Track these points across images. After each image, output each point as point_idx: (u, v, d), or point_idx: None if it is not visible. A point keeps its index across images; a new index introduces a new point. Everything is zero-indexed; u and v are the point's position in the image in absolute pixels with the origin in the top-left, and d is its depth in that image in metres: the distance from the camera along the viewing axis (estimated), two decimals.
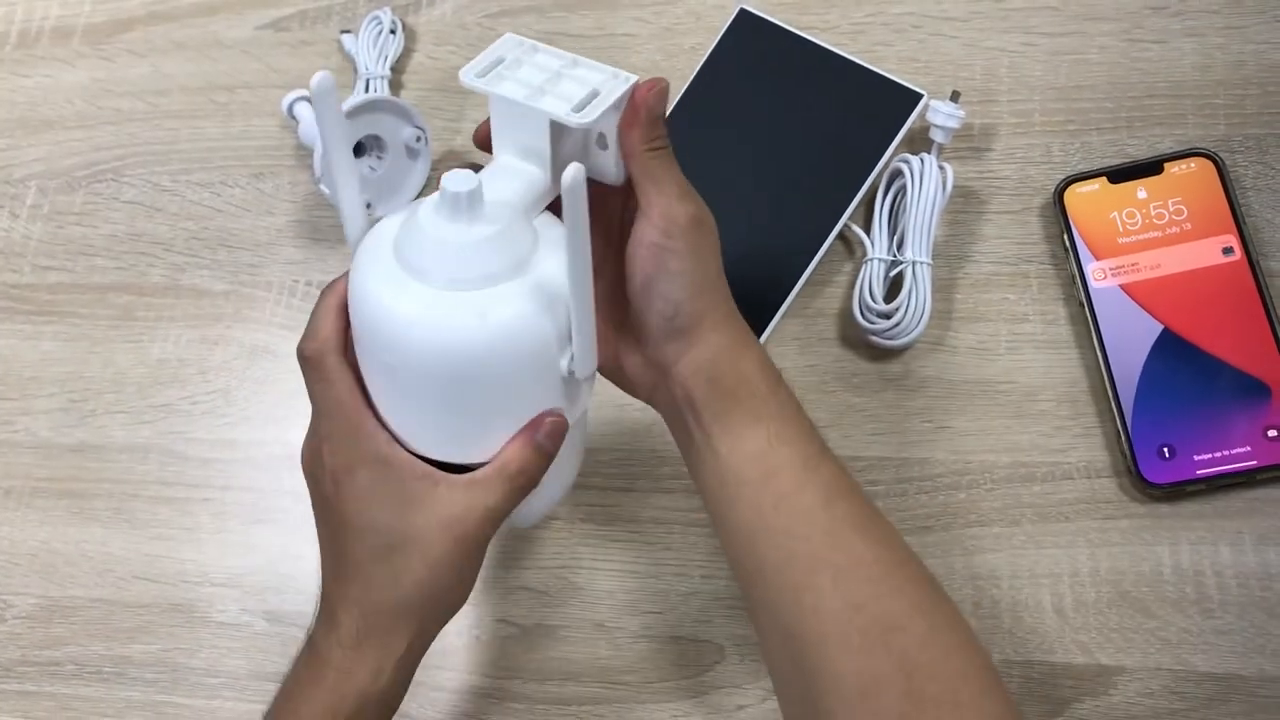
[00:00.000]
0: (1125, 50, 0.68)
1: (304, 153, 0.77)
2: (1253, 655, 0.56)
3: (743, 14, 0.72)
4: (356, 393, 0.48)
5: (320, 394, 0.49)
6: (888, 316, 0.63)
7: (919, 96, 0.66)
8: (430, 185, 0.75)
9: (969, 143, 0.69)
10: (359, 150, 0.72)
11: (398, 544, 0.47)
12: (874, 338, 0.64)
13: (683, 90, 0.71)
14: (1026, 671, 0.57)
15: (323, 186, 0.70)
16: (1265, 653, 0.56)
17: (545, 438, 0.47)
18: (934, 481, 0.62)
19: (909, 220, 0.64)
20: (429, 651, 0.63)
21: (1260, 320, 0.60)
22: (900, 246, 0.65)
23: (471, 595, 0.64)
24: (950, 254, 0.66)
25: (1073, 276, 0.63)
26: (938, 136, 0.66)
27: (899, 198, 0.66)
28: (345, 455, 0.48)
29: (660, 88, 0.47)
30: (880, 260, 0.65)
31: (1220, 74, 0.67)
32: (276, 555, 0.68)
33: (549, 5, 0.78)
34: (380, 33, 0.79)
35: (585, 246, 0.42)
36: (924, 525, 0.61)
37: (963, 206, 0.67)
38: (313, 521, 0.52)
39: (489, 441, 0.47)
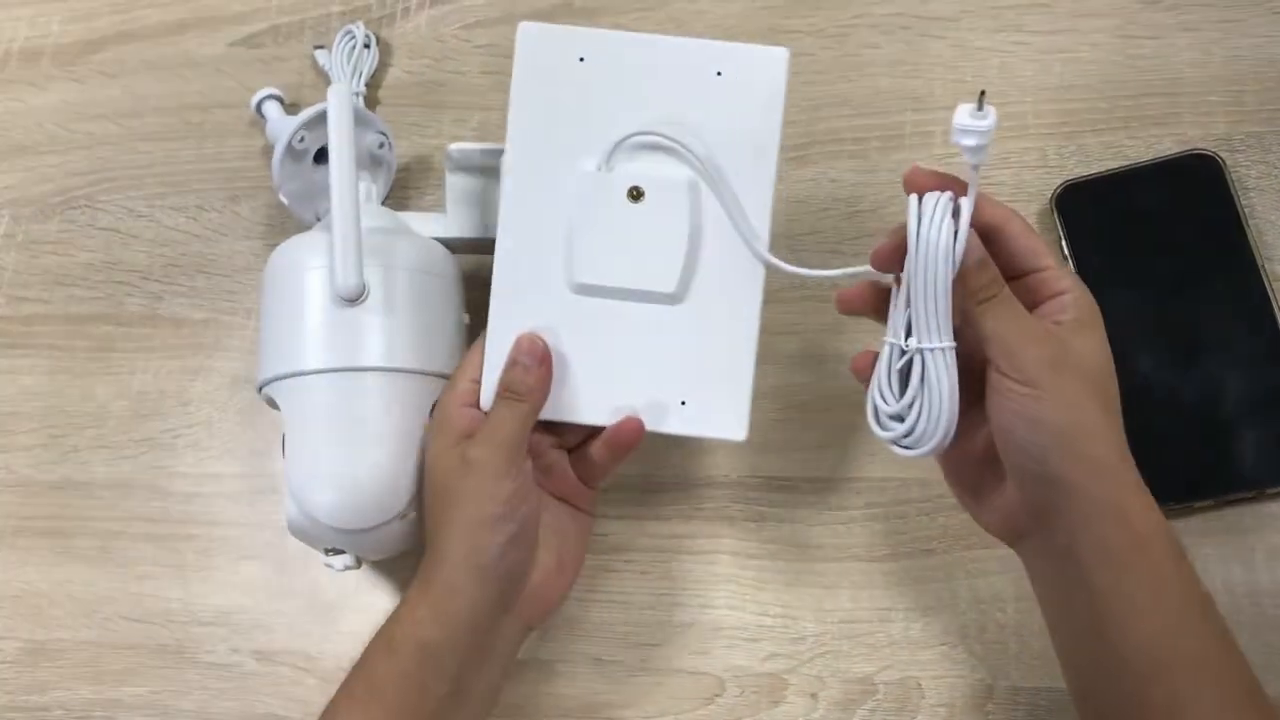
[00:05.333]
0: (1119, 47, 0.67)
1: None
2: (1269, 676, 0.54)
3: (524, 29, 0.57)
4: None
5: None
6: (900, 418, 0.49)
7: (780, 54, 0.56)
8: (395, 190, 0.73)
9: None
10: (320, 158, 0.70)
11: (454, 500, 0.54)
12: (893, 447, 0.50)
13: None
14: (1034, 699, 0.56)
15: (281, 196, 0.69)
16: None
17: (522, 354, 0.55)
18: (934, 503, 0.60)
19: (911, 292, 0.48)
20: None
21: (1267, 325, 0.58)
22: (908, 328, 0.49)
23: None
24: None
25: None
26: (968, 156, 0.47)
27: None
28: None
29: (976, 243, 0.47)
30: (889, 343, 0.49)
31: (1217, 70, 0.65)
32: (264, 592, 0.67)
33: (524, 15, 0.76)
34: (354, 47, 0.77)
35: (347, 167, 0.56)
36: (925, 548, 0.60)
37: None
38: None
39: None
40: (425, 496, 0.57)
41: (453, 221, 0.66)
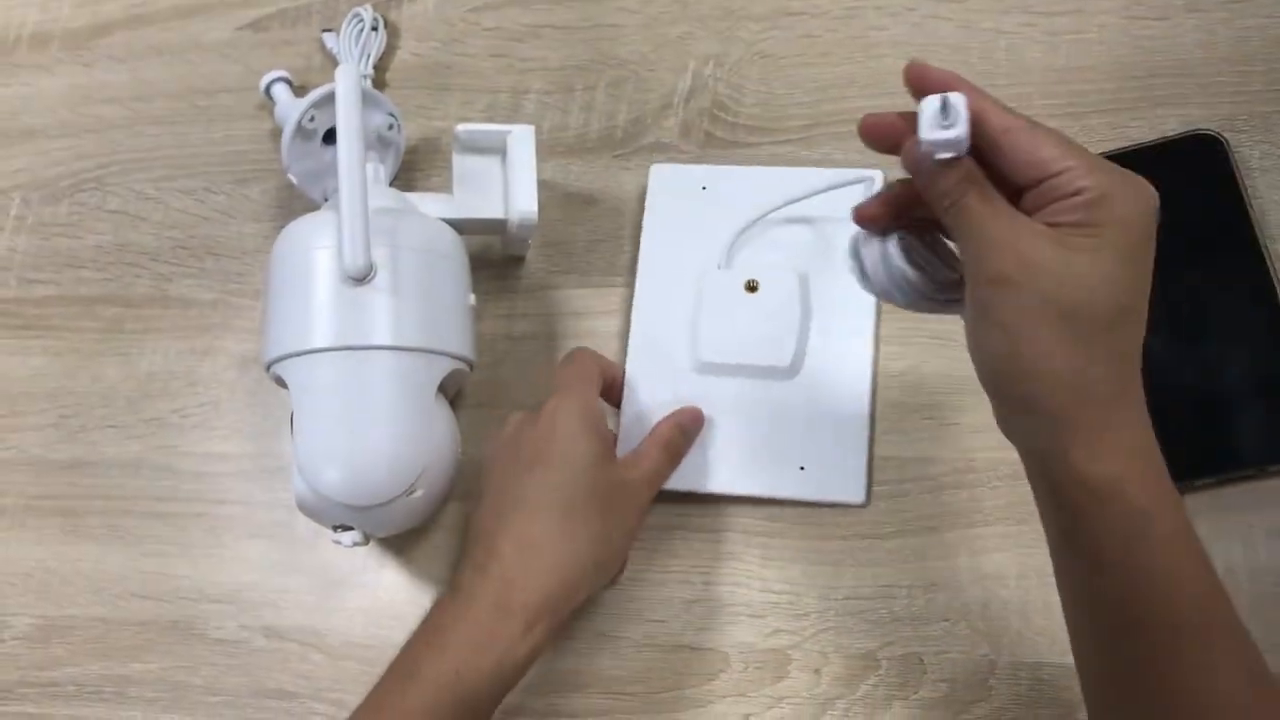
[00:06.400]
0: (1125, 28, 0.67)
1: None
2: (1268, 653, 0.54)
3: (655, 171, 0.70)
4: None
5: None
6: None
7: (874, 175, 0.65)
8: (403, 172, 0.73)
9: None
10: (329, 138, 0.70)
11: (607, 511, 0.57)
12: None
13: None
14: (1036, 673, 0.56)
15: (290, 176, 0.69)
16: None
17: (686, 420, 0.61)
18: (937, 480, 0.61)
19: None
20: None
21: (1269, 305, 0.58)
22: None
23: None
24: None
25: None
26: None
27: None
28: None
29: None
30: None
31: (1224, 51, 0.65)
32: (273, 570, 0.67)
33: None
34: (362, 30, 0.77)
35: (355, 148, 0.57)
36: (929, 525, 0.60)
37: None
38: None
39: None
40: (563, 480, 0.57)
41: (460, 202, 0.66)
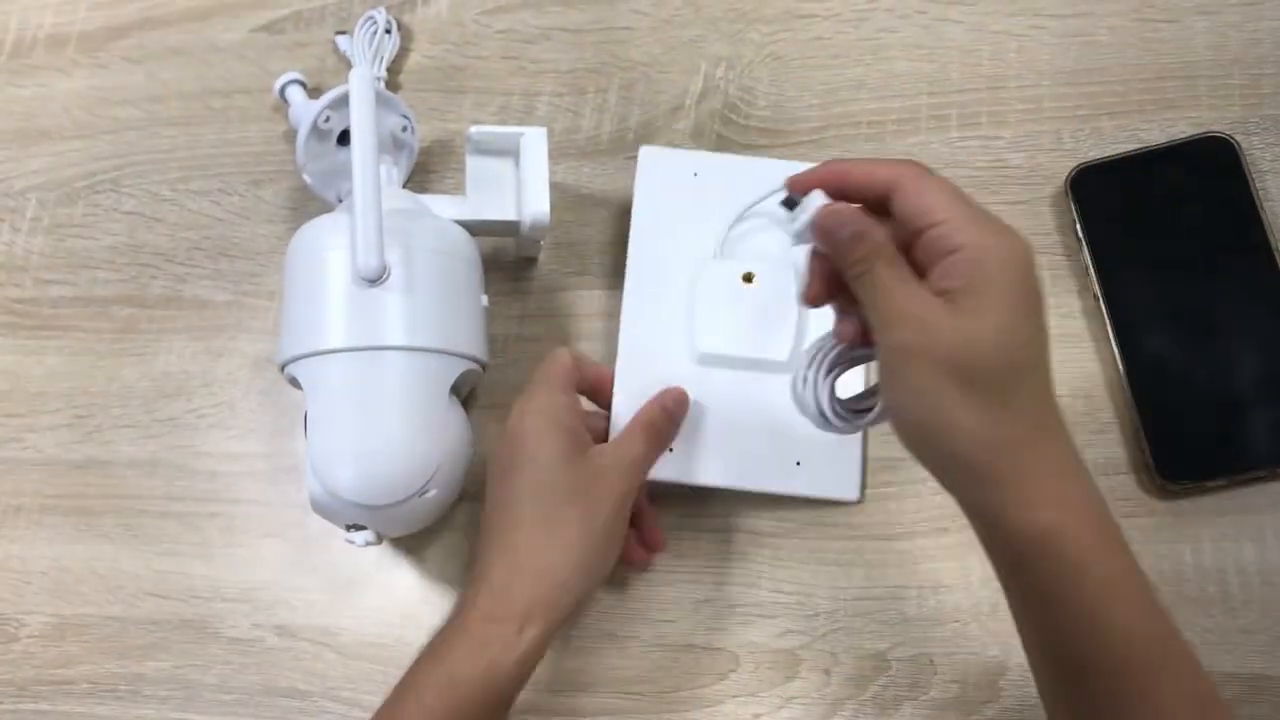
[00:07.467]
0: (1136, 30, 0.67)
1: None
2: (1279, 654, 0.54)
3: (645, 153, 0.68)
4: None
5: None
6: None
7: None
8: (416, 174, 0.74)
9: (977, 130, 0.67)
10: (343, 140, 0.71)
11: (553, 501, 0.55)
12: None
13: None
14: None
15: (305, 176, 0.70)
16: None
17: (669, 399, 0.60)
18: None
19: None
20: None
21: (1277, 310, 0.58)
22: None
23: None
24: None
25: (1086, 268, 0.62)
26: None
27: None
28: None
29: (850, 215, 0.44)
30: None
31: (1235, 53, 0.65)
32: (286, 569, 0.68)
33: (545, 0, 0.77)
34: (375, 33, 0.77)
35: (369, 150, 0.58)
36: (939, 527, 0.60)
37: (972, 197, 0.65)
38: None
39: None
40: (533, 482, 0.56)
41: (473, 204, 0.67)
